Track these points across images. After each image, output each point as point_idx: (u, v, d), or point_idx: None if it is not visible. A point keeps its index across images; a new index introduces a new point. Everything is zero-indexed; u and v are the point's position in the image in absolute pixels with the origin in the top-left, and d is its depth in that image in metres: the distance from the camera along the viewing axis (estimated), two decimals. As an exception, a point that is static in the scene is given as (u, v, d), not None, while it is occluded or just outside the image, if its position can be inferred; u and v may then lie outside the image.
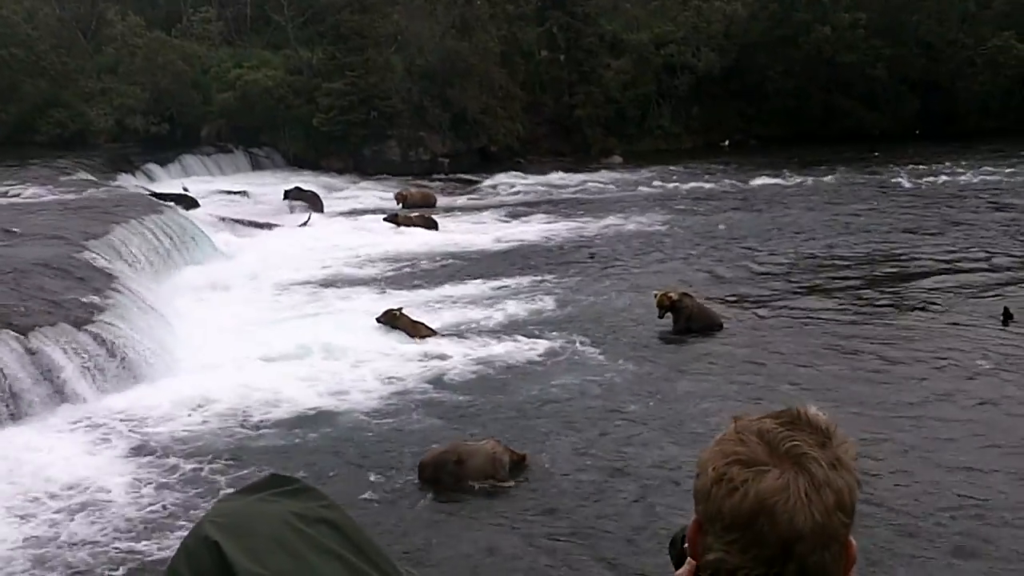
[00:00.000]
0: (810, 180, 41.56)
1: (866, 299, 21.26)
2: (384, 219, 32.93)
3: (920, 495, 11.49)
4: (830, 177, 42.09)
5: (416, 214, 33.97)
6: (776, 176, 42.63)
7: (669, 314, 18.80)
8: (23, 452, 13.00)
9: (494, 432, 13.84)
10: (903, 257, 25.50)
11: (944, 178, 40.00)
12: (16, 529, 11.07)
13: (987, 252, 25.55)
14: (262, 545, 1.62)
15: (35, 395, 14.35)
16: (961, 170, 41.73)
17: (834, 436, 1.85)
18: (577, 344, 18.16)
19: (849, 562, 1.84)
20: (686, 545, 1.96)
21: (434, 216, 34.28)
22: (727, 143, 58.50)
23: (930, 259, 25.06)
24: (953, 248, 26.25)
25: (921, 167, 43.31)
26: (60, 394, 14.69)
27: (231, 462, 13.10)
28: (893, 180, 40.46)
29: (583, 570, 10.17)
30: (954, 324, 18.85)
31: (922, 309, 20.14)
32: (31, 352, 14.86)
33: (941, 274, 23.36)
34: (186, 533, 1.71)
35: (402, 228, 31.91)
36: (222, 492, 10.93)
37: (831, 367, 16.51)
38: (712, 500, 1.83)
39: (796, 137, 55.80)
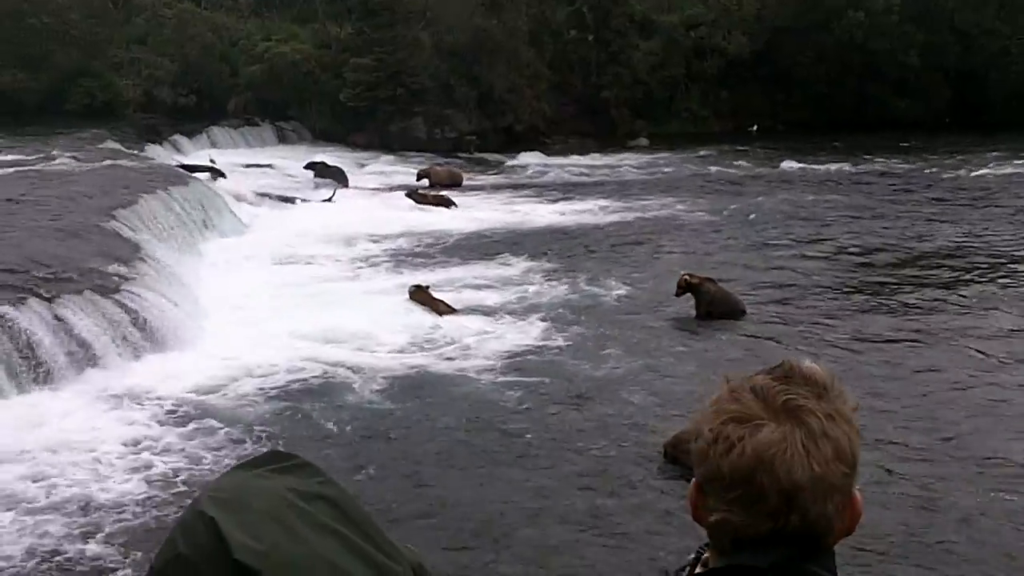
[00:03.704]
0: (838, 167, 41.33)
1: (892, 289, 21.12)
2: (405, 195, 33.03)
3: (945, 488, 11.42)
4: (859, 165, 41.84)
5: (434, 192, 34.04)
6: (804, 162, 42.41)
7: (691, 300, 18.73)
8: (48, 417, 13.13)
9: (510, 415, 13.93)
10: (931, 248, 25.30)
11: (976, 169, 39.58)
12: (39, 492, 11.18)
13: (1018, 245, 25.32)
14: (258, 520, 1.63)
15: (61, 361, 14.44)
16: (993, 161, 41.26)
17: (831, 388, 1.85)
18: (596, 327, 18.11)
19: (854, 514, 1.86)
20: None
21: (458, 194, 34.31)
22: (755, 128, 58.18)
23: (959, 251, 24.85)
24: (983, 240, 26.01)
25: (953, 157, 42.94)
26: (85, 361, 14.78)
27: (250, 430, 13.16)
28: (924, 170, 40.15)
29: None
30: (983, 317, 18.68)
31: (950, 301, 19.94)
32: (58, 319, 14.98)
33: (970, 266, 23.16)
34: None
35: (421, 205, 31.97)
36: (237, 461, 10.96)
37: (855, 356, 16.37)
38: (710, 460, 1.83)
39: (825, 123, 55.46)
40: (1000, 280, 21.70)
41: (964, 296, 20.34)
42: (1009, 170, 39.19)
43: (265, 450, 1.89)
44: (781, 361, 1.90)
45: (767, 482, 1.77)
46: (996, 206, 31.51)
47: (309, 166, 38.82)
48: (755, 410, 1.82)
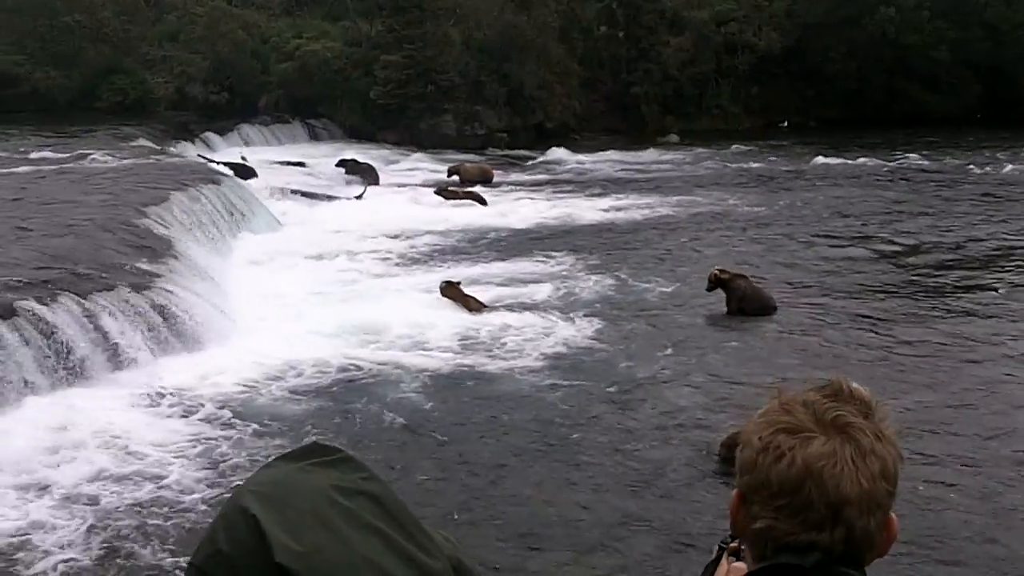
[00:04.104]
0: (871, 163, 41.06)
1: (926, 286, 20.94)
2: (435, 192, 33.15)
3: (974, 487, 11.32)
4: (892, 161, 41.55)
5: (465, 189, 34.09)
6: (835, 159, 42.17)
7: (723, 296, 18.68)
8: (80, 414, 13.17)
9: (549, 410, 13.92)
10: (964, 245, 25.09)
11: (1007, 166, 39.24)
12: (71, 488, 11.25)
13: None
14: (300, 519, 1.62)
15: (92, 358, 14.52)
16: (1024, 157, 40.97)
17: (876, 410, 1.91)
18: (627, 325, 18.06)
19: (891, 535, 1.90)
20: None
21: (489, 191, 34.34)
22: (786, 124, 57.93)
23: (992, 249, 24.65)
24: (1017, 237, 25.78)
25: (984, 153, 42.60)
26: (117, 358, 14.86)
27: (282, 427, 13.18)
28: (960, 166, 39.83)
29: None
30: (1015, 314, 18.52)
31: (983, 299, 19.79)
32: (89, 316, 15.06)
33: (1003, 264, 22.99)
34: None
35: (452, 202, 32.03)
36: (266, 460, 10.95)
37: (889, 355, 16.25)
38: (759, 469, 1.88)
39: (856, 119, 55.23)
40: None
41: (998, 293, 20.15)
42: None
43: (307, 441, 1.86)
44: (830, 380, 1.95)
45: (816, 493, 1.82)
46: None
47: (341, 163, 38.96)
48: (806, 423, 1.87)
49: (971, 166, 39.42)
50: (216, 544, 1.64)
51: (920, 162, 41.33)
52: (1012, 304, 19.32)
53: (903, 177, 37.56)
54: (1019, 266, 22.57)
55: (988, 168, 38.80)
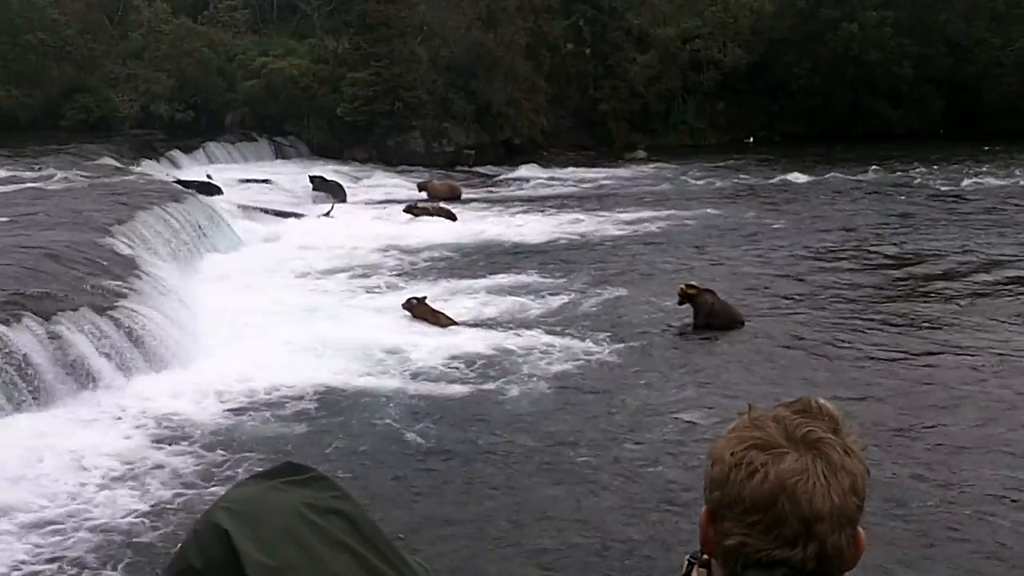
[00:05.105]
0: (835, 178, 41.46)
1: (890, 299, 21.15)
2: (404, 210, 33.01)
3: (938, 497, 11.40)
4: (854, 176, 41.95)
5: (435, 205, 34.05)
6: (801, 174, 42.53)
7: (690, 310, 18.79)
8: (44, 437, 13.01)
9: (525, 428, 13.89)
10: (928, 258, 25.35)
11: (969, 179, 39.79)
12: (34, 513, 11.10)
13: (1013, 255, 25.36)
14: (272, 535, 1.62)
15: (56, 380, 14.34)
16: (986, 172, 41.55)
17: (843, 426, 1.92)
18: (595, 340, 18.07)
19: (859, 550, 1.89)
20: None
21: (458, 207, 34.35)
22: (751, 140, 58.38)
23: (955, 261, 24.91)
24: (978, 250, 26.08)
25: (946, 168, 43.17)
26: (81, 379, 14.69)
27: (251, 450, 13.07)
28: (918, 180, 40.34)
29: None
30: (978, 326, 18.70)
31: (947, 312, 19.99)
32: (53, 337, 14.88)
33: (966, 276, 23.22)
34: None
35: (421, 218, 31.95)
36: (239, 479, 10.82)
37: (854, 368, 16.39)
38: (730, 485, 1.87)
39: (821, 135, 55.78)
40: (994, 288, 21.85)
41: (961, 305, 20.39)
42: (1002, 180, 39.35)
43: (280, 461, 1.85)
44: (799, 397, 1.96)
45: (788, 508, 1.82)
46: (989, 216, 31.62)
47: (312, 179, 38.89)
48: (777, 439, 1.87)
49: (936, 181, 39.92)
50: (187, 560, 1.63)
51: (886, 176, 41.77)
52: (974, 316, 19.51)
53: (869, 191, 37.93)
54: (983, 279, 22.79)
55: (953, 183, 39.27)
